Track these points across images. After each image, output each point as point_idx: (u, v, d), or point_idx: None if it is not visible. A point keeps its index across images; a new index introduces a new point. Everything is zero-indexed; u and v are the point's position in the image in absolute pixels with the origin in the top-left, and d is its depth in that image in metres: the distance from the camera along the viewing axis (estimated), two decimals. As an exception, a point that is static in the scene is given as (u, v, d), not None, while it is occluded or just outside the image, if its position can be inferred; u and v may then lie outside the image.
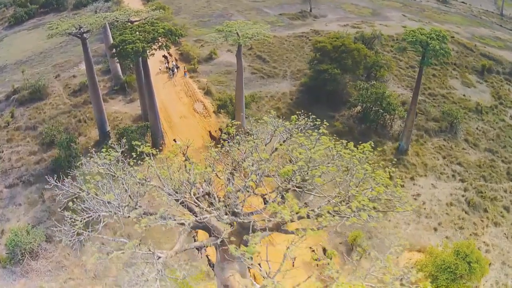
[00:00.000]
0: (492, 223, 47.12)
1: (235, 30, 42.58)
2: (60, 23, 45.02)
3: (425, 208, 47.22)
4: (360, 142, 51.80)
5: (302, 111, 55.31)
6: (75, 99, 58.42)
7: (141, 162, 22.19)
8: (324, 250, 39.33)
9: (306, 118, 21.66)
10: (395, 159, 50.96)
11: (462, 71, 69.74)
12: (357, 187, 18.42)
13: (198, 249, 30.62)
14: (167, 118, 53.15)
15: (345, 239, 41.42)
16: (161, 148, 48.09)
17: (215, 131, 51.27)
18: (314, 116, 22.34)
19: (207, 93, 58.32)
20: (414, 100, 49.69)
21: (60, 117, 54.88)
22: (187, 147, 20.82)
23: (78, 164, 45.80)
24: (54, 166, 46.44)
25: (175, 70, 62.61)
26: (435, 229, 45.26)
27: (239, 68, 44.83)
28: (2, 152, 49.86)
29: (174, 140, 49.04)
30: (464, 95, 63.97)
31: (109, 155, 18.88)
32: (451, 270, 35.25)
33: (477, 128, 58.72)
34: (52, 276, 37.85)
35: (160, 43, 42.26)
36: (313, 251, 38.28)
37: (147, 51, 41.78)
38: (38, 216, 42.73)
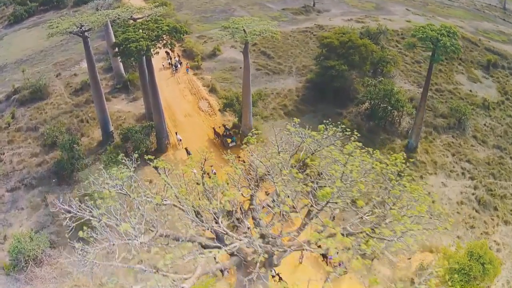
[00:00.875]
0: (502, 221, 45.78)
1: (242, 26, 40.51)
2: (60, 21, 42.89)
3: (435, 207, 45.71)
4: (369, 140, 50.10)
5: (310, 108, 53.77)
6: (76, 98, 56.38)
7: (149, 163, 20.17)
8: (226, 128, 38.58)
9: (334, 128, 19.55)
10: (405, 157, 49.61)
11: (468, 66, 67.87)
12: (393, 204, 16.59)
13: (221, 271, 28.69)
14: (171, 117, 51.22)
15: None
16: (166, 148, 46.49)
17: (219, 127, 49.55)
18: (343, 126, 20.28)
19: (212, 90, 56.36)
20: (423, 97, 47.94)
21: (61, 117, 52.91)
22: (205, 160, 18.87)
23: (81, 166, 44.11)
24: (56, 168, 44.63)
25: (178, 66, 60.66)
26: (446, 229, 43.71)
27: (246, 66, 42.86)
28: (3, 154, 47.91)
29: (176, 133, 47.72)
30: (470, 91, 62.18)
31: (121, 173, 16.83)
32: (465, 272, 33.91)
33: (484, 125, 57.02)
34: (57, 283, 36.13)
35: (164, 41, 40.25)
36: (319, 246, 36.80)
37: (151, 50, 39.77)
38: (41, 221, 40.94)
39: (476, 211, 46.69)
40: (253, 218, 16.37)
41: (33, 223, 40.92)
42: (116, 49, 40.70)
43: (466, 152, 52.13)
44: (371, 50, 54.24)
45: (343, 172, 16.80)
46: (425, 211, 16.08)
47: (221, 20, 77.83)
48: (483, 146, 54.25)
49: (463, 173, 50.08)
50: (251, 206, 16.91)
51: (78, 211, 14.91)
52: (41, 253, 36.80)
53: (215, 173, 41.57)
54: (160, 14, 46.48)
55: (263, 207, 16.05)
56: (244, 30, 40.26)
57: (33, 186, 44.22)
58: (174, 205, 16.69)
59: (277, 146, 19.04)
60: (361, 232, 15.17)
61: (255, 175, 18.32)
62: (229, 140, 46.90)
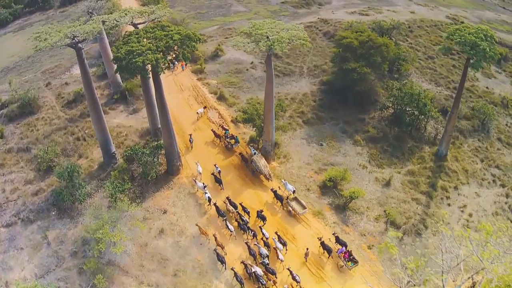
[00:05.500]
0: (536, 231, 40.36)
1: (265, 32, 32.73)
2: (49, 31, 34.27)
3: (473, 221, 40.10)
4: (397, 148, 43.30)
5: (331, 114, 46.61)
6: (70, 111, 47.88)
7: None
8: (337, 238, 33.07)
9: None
10: (435, 166, 43.43)
11: (480, 60, 61.35)
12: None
13: None
14: (179, 132, 43.22)
15: (400, 265, 33.73)
16: (178, 170, 38.90)
17: (218, 128, 43.37)
18: None
19: (220, 98, 48.61)
20: (456, 104, 41.71)
21: (55, 134, 44.56)
22: None
23: (82, 196, 36.31)
24: (55, 199, 36.76)
25: (176, 63, 52.46)
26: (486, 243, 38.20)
27: (269, 77, 35.33)
28: (-6, 182, 39.56)
29: (190, 135, 41.98)
30: (487, 88, 56.14)
31: None
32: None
33: (506, 125, 51.26)
34: None
35: (176, 53, 32.31)
36: (322, 242, 32.43)
37: (161, 64, 31.77)
38: (45, 263, 33.48)
39: (511, 221, 41.54)
40: None
41: (36, 266, 33.42)
42: (118, 64, 32.43)
43: (494, 157, 46.44)
44: (392, 49, 47.14)
45: None
46: None
47: (218, 16, 69.47)
48: (509, 149, 48.57)
49: (494, 181, 44.61)
50: None
51: None
52: (50, 307, 29.47)
53: (219, 171, 38.04)
54: (165, 18, 38.20)
55: None
56: (267, 37, 32.51)
57: (31, 220, 36.46)
58: None
59: None
60: None
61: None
62: (232, 141, 41.36)
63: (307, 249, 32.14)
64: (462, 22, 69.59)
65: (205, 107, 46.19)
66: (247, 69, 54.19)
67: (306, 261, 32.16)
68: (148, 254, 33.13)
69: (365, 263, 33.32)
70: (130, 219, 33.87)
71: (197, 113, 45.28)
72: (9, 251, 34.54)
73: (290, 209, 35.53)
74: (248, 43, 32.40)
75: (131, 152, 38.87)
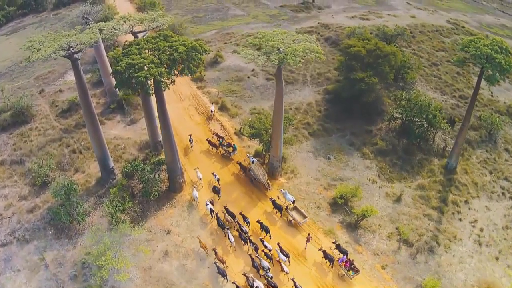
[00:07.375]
0: (546, 244, 39.10)
1: (276, 44, 30.32)
2: (43, 40, 31.44)
3: (484, 236, 38.52)
4: (406, 161, 41.30)
5: (337, 126, 44.63)
6: (65, 121, 45.08)
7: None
8: (338, 246, 31.72)
9: None
10: (445, 180, 41.65)
11: (483, 67, 59.70)
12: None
13: None
14: (179, 144, 40.54)
15: (415, 285, 32.16)
16: (181, 187, 36.42)
17: (212, 137, 41.42)
18: None
19: (222, 108, 46.13)
20: (467, 116, 40.02)
21: (50, 146, 41.84)
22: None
23: (81, 216, 33.68)
24: (51, 218, 34.15)
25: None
26: (497, 258, 38.12)
27: (279, 91, 33.07)
28: (-13, 197, 36.77)
29: (190, 136, 40.55)
30: (492, 95, 54.32)
31: None
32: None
33: (512, 135, 49.43)
34: None
35: (181, 67, 29.79)
36: (324, 251, 31.15)
37: (164, 79, 29.22)
38: (43, 287, 30.82)
39: (521, 235, 40.08)
40: None
41: (35, 290, 30.81)
42: (118, 78, 29.78)
43: (502, 169, 44.80)
44: (399, 58, 45.10)
45: None
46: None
47: (216, 20, 66.91)
48: (517, 160, 46.88)
49: (503, 193, 43.05)
50: None
51: None
52: None
53: (218, 179, 36.40)
54: (167, 26, 35.55)
55: None
56: (278, 49, 30.13)
57: (26, 240, 33.97)
58: None
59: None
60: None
61: None
62: (230, 149, 39.74)
63: (309, 234, 31.90)
64: (463, 27, 68.16)
65: (212, 103, 46.09)
66: (248, 77, 51.81)
67: (305, 248, 31.94)
68: (153, 278, 30.78)
69: (379, 284, 31.52)
70: (133, 242, 31.45)
71: (211, 111, 44.80)
72: (5, 273, 32.12)
73: (290, 218, 34.21)
74: (259, 55, 29.94)
75: (131, 168, 36.40)
